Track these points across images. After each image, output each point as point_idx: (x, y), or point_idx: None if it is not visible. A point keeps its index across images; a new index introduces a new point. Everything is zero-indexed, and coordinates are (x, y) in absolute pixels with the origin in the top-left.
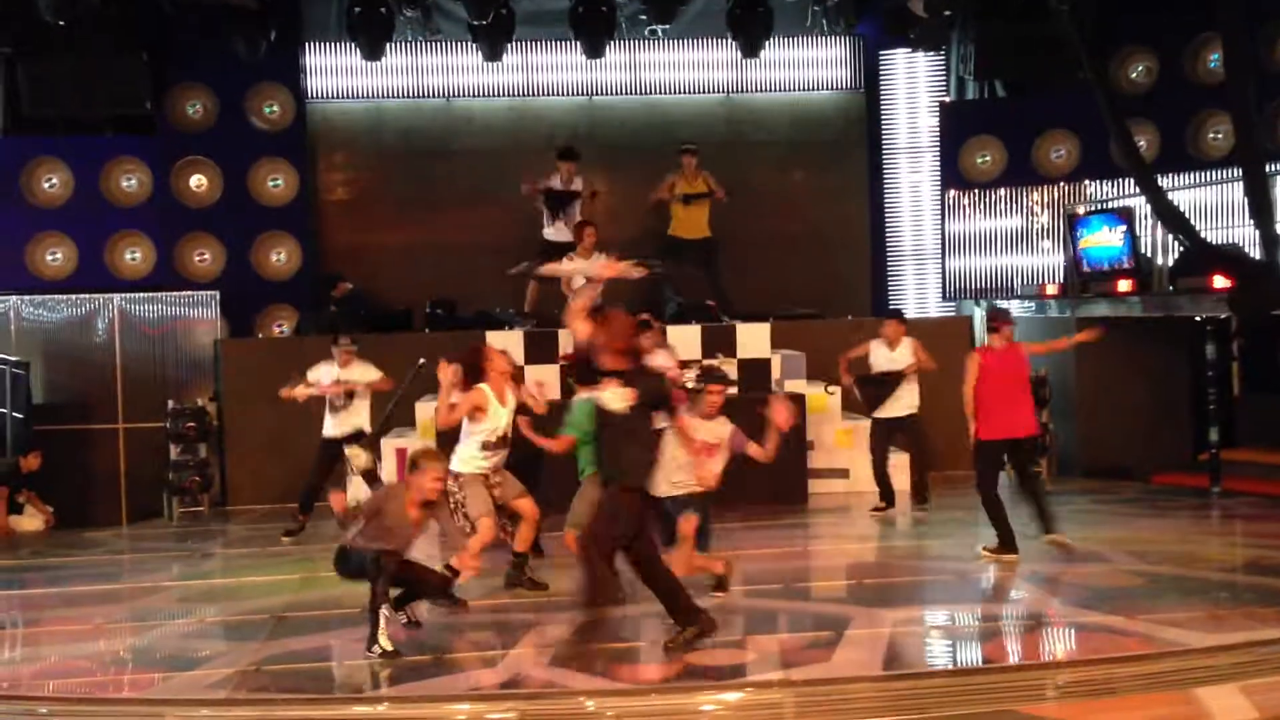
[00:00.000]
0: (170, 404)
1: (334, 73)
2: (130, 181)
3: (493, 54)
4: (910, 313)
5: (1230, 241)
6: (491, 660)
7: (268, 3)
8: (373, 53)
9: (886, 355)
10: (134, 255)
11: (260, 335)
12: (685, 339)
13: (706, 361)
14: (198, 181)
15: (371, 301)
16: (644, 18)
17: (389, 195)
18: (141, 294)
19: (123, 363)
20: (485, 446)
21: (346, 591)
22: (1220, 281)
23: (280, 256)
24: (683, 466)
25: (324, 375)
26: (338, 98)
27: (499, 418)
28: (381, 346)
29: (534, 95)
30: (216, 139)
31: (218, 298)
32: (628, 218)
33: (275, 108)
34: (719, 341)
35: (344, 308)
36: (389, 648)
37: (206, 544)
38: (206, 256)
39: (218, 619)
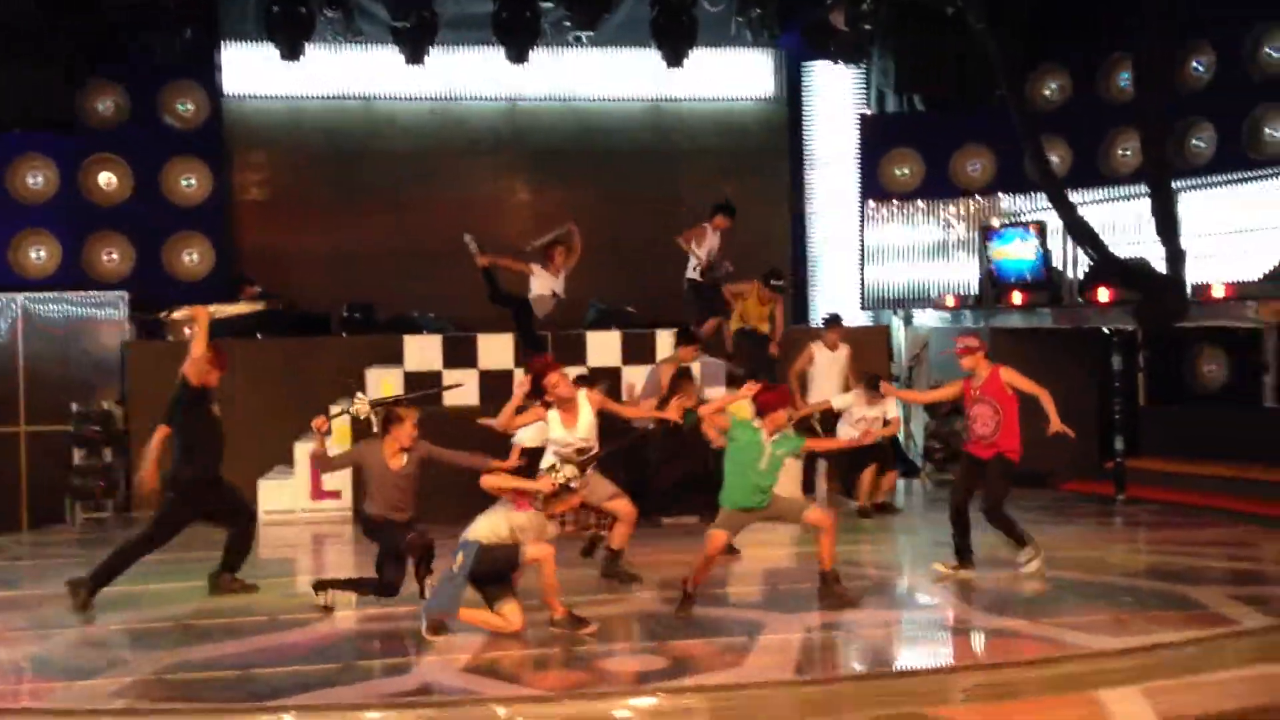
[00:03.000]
0: (75, 407)
1: (251, 71)
2: (36, 179)
3: (415, 57)
4: None
5: (1137, 256)
6: (403, 667)
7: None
8: (292, 52)
9: (828, 357)
10: (39, 254)
11: (170, 338)
12: (606, 345)
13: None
14: (107, 180)
15: (288, 304)
16: (568, 24)
17: (307, 197)
18: (46, 293)
19: (25, 364)
20: (558, 457)
21: (255, 599)
22: (1103, 294)
23: (192, 257)
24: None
25: None
26: (255, 97)
27: (566, 436)
28: (297, 350)
29: (457, 99)
30: (128, 137)
31: (126, 298)
32: (550, 224)
33: (190, 106)
34: (638, 348)
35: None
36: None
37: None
38: (115, 256)
39: (121, 627)
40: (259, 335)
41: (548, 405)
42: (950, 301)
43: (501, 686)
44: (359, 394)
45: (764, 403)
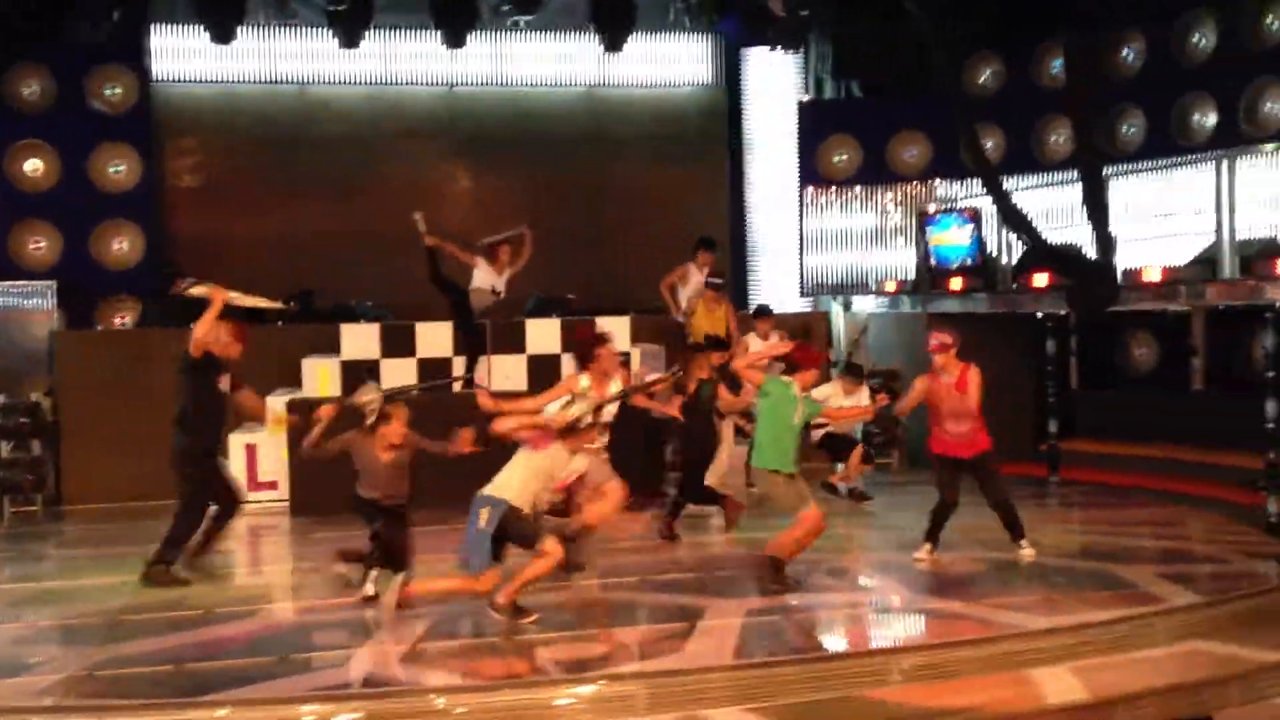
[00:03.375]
0: (2, 398)
1: (182, 55)
2: None
3: (350, 41)
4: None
5: (1069, 242)
6: (340, 660)
7: None
8: (223, 36)
9: (761, 347)
10: None
11: (100, 327)
12: (545, 332)
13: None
14: (33, 166)
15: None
16: (506, 9)
17: (241, 183)
18: None
19: None
20: None
21: (187, 592)
22: (1040, 279)
23: (122, 245)
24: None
25: None
26: (186, 81)
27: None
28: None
29: (393, 84)
30: (54, 122)
31: (54, 288)
32: (490, 210)
33: (118, 90)
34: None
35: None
36: (371, 593)
37: (40, 545)
38: (42, 244)
39: (50, 623)
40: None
41: (584, 369)
42: (891, 286)
43: (441, 676)
44: (371, 382)
45: (800, 359)
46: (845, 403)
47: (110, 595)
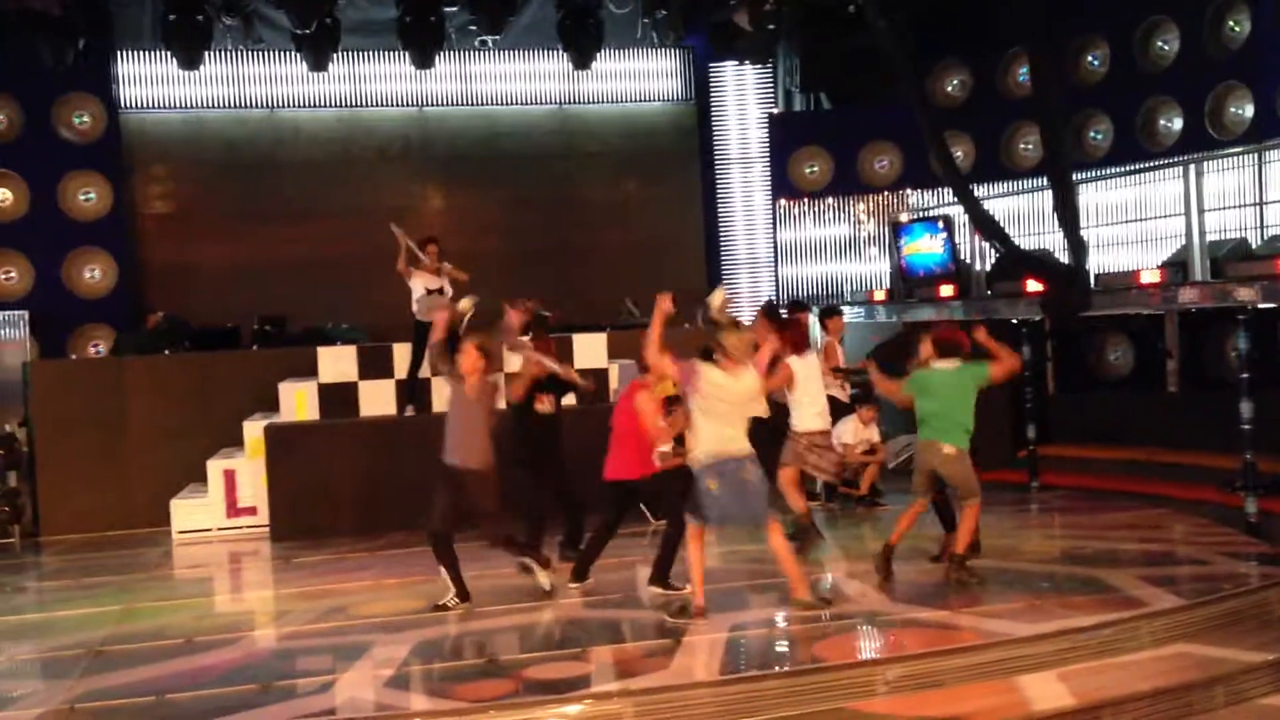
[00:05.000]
0: None
1: (149, 82)
2: None
3: (318, 64)
4: (746, 320)
5: (1041, 247)
6: (324, 685)
7: (75, 8)
8: (190, 61)
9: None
10: None
11: (74, 356)
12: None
13: None
14: (3, 196)
15: (196, 319)
16: (474, 28)
17: (212, 208)
18: None
19: None
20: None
21: (168, 622)
22: (1033, 285)
23: (94, 274)
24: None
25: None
26: (154, 108)
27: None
28: (207, 365)
29: (363, 106)
30: (22, 151)
31: (26, 317)
32: (463, 229)
33: (86, 118)
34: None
35: (165, 327)
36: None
37: (18, 577)
38: (13, 274)
39: (30, 656)
40: (166, 351)
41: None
42: (880, 295)
43: (424, 700)
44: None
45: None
46: (864, 433)
47: (91, 626)
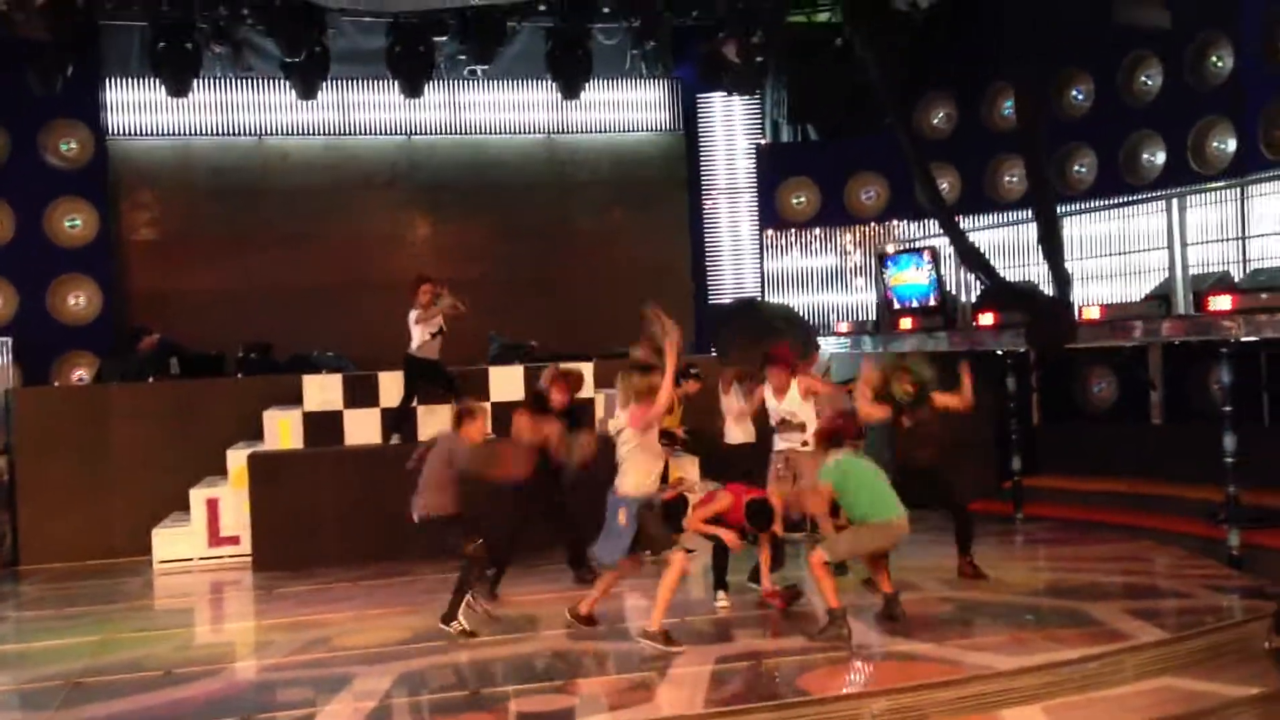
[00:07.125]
0: None
1: (137, 109)
2: None
3: (307, 92)
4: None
5: (1025, 279)
6: (305, 718)
7: (64, 35)
8: (178, 89)
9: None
10: None
11: (57, 384)
12: (508, 380)
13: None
14: None
15: (182, 346)
16: (463, 58)
17: (198, 236)
18: None
19: None
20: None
21: (148, 653)
22: (985, 319)
23: (79, 300)
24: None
25: None
26: (142, 135)
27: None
28: (192, 393)
29: (351, 134)
30: (9, 177)
31: (9, 344)
32: (448, 256)
33: (73, 145)
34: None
35: (151, 354)
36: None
37: None
38: None
39: (8, 687)
40: (150, 379)
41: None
42: (845, 327)
43: None
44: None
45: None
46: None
47: (70, 657)
